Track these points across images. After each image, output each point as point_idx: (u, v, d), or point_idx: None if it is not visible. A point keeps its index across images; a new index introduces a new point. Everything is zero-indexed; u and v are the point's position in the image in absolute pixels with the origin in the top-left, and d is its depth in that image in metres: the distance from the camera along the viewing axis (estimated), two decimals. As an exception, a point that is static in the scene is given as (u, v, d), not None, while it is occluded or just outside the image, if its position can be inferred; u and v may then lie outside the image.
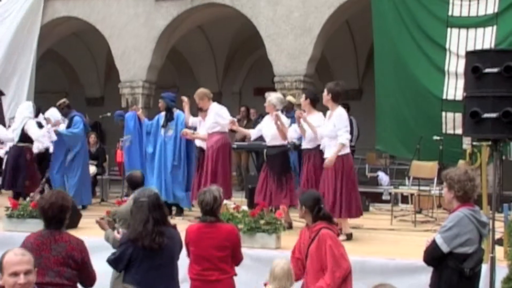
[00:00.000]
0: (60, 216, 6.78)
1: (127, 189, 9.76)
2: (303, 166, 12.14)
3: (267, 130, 12.40)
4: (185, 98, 13.87)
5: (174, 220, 11.25)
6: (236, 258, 7.81)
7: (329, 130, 11.07)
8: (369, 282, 5.21)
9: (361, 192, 14.66)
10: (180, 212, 14.21)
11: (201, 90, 13.58)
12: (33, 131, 14.56)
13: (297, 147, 13.48)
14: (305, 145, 12.03)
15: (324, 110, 11.60)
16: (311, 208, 7.54)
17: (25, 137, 14.27)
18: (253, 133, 13.03)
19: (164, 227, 6.97)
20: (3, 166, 14.87)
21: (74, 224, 12.55)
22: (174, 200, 14.11)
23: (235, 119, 13.31)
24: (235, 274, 7.80)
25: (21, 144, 14.22)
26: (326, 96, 11.20)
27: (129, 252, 6.86)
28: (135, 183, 9.02)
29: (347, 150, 11.16)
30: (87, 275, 6.65)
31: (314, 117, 11.77)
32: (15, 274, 4.86)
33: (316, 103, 12.05)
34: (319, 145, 11.57)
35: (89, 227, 11.80)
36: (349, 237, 11.04)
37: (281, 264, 7.04)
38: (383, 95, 14.51)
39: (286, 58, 16.93)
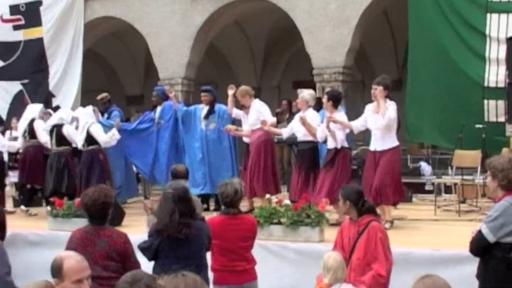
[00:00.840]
0: (102, 212, 6.96)
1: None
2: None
3: (299, 126, 12.41)
4: (233, 86, 13.92)
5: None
6: (252, 247, 7.99)
7: (385, 122, 11.05)
8: (414, 274, 5.12)
9: (403, 183, 14.67)
10: (218, 207, 14.25)
11: (243, 87, 13.67)
12: (100, 133, 14.57)
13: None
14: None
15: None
16: (355, 202, 7.50)
17: (91, 140, 14.27)
18: (285, 132, 13.10)
19: (191, 220, 7.01)
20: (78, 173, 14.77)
21: (117, 221, 12.63)
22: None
23: (267, 119, 13.25)
24: (255, 263, 7.92)
25: (91, 148, 14.22)
26: (382, 91, 11.14)
27: (156, 243, 6.96)
28: (179, 177, 9.01)
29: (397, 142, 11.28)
30: (131, 266, 6.66)
31: (337, 116, 11.79)
32: (79, 281, 4.95)
33: (338, 103, 12.08)
34: None
35: (133, 224, 11.89)
36: (392, 223, 11.14)
37: (334, 255, 7.00)
38: (418, 85, 14.37)
39: (324, 50, 16.85)
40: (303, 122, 11.96)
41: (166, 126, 14.88)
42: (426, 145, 17.53)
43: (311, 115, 12.36)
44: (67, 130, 14.46)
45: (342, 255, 7.37)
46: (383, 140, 11.11)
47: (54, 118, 14.79)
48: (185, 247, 6.96)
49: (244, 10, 19.57)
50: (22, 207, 14.88)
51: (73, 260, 5.06)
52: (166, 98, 15.09)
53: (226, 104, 13.98)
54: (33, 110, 15.71)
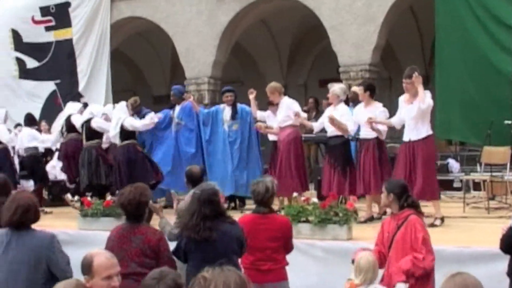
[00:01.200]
0: (138, 211, 7.11)
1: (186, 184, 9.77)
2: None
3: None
4: (253, 91, 13.91)
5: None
6: (288, 248, 7.92)
7: (425, 106, 10.96)
8: (444, 272, 5.09)
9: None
10: (242, 204, 14.33)
11: (273, 84, 13.63)
12: (136, 121, 14.63)
13: (354, 139, 13.42)
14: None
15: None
16: (399, 195, 7.48)
17: (126, 135, 14.33)
18: (316, 126, 13.02)
19: (218, 222, 6.98)
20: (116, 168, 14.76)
21: (147, 220, 12.68)
22: (240, 193, 14.20)
23: (300, 111, 13.25)
24: (287, 264, 7.86)
25: (126, 142, 14.25)
26: (420, 78, 11.05)
27: (183, 244, 7.00)
28: (194, 178, 9.02)
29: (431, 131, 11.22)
30: (165, 263, 6.72)
31: (373, 108, 11.74)
32: (109, 277, 5.09)
33: (374, 93, 12.01)
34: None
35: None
36: (443, 220, 11.19)
37: (366, 256, 6.96)
38: (448, 81, 14.26)
39: (350, 48, 16.80)
40: (332, 121, 11.91)
41: (189, 129, 14.85)
42: (454, 142, 17.40)
43: (342, 109, 12.24)
44: (97, 122, 14.50)
45: (382, 251, 7.36)
46: (417, 129, 11.04)
47: (86, 114, 14.83)
48: (210, 249, 6.93)
49: (270, 9, 19.57)
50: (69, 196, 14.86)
51: (103, 257, 5.20)
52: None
53: (249, 104, 13.98)
54: (72, 107, 15.67)
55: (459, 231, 10.72)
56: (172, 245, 7.71)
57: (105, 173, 14.33)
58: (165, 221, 8.40)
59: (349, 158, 12.60)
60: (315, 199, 11.36)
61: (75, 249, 11.09)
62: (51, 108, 20.03)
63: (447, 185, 15.85)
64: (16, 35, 21.39)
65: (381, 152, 11.77)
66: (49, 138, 16.01)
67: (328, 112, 12.52)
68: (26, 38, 21.32)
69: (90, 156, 14.32)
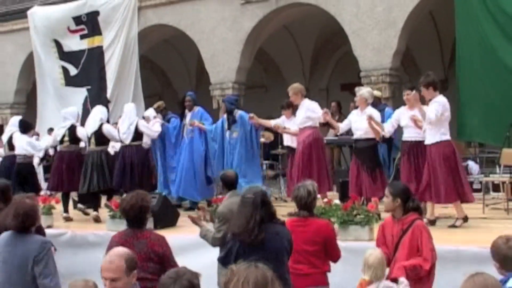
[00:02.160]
0: (140, 216, 7.12)
1: (221, 188, 9.79)
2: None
3: (358, 124, 12.28)
4: (252, 115, 14.01)
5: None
6: (331, 254, 7.82)
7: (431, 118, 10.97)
8: (465, 271, 5.10)
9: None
10: None
11: (297, 85, 13.64)
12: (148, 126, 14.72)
13: (386, 140, 13.38)
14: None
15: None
16: (404, 200, 7.49)
17: (138, 136, 14.42)
18: (341, 127, 12.91)
19: (270, 224, 6.88)
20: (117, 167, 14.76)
21: (172, 222, 12.72)
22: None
23: (328, 110, 13.28)
24: (329, 270, 7.81)
25: (135, 143, 14.31)
26: (427, 91, 11.08)
27: (235, 248, 6.82)
28: (229, 182, 9.01)
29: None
30: (171, 267, 6.74)
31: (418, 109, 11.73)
32: (105, 279, 5.27)
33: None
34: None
35: (186, 225, 11.94)
36: (466, 219, 11.17)
37: (375, 253, 7.01)
38: (468, 84, 14.24)
39: (371, 53, 16.79)
40: (370, 121, 11.87)
41: (201, 139, 15.01)
42: (473, 144, 17.36)
43: (371, 112, 12.13)
44: (107, 129, 14.52)
45: (385, 251, 7.37)
46: (431, 134, 11.13)
47: (96, 120, 14.73)
48: (261, 252, 6.89)
49: (292, 15, 19.59)
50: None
51: (107, 258, 5.42)
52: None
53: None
54: (101, 112, 15.22)
55: (478, 232, 10.68)
56: (215, 249, 7.78)
57: (109, 177, 14.28)
58: (205, 229, 8.38)
59: (378, 160, 12.60)
60: (337, 201, 11.39)
61: (104, 249, 11.25)
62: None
63: (467, 187, 15.84)
64: (58, 45, 21.82)
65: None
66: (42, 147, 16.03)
67: (356, 114, 12.52)
68: (65, 48, 21.75)
69: (99, 160, 14.21)
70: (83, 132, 14.63)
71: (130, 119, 14.45)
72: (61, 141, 14.65)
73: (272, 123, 14.06)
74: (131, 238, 6.95)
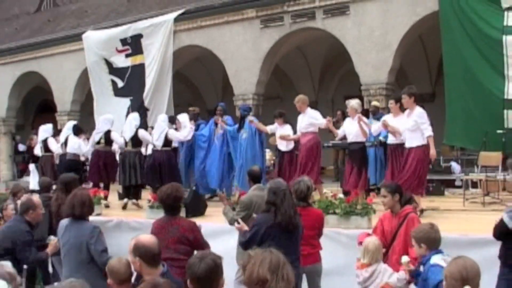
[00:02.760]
0: (174, 205, 7.21)
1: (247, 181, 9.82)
2: (390, 158, 12.06)
3: (350, 129, 12.56)
4: (251, 119, 14.46)
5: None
6: (320, 235, 8.10)
7: (411, 126, 11.06)
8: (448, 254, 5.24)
9: (436, 180, 14.60)
10: None
11: (303, 96, 13.83)
12: (177, 133, 14.75)
13: (383, 144, 13.42)
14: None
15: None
16: (401, 195, 7.55)
17: (166, 143, 14.44)
18: (339, 133, 13.15)
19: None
20: (148, 168, 14.78)
21: (201, 212, 12.78)
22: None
23: (331, 118, 13.43)
24: (321, 248, 8.03)
25: (165, 149, 14.36)
26: (409, 100, 11.18)
27: (261, 233, 6.82)
28: (255, 176, 9.05)
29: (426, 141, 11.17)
30: (200, 248, 6.83)
31: (400, 117, 11.80)
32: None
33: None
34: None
35: (214, 215, 12.00)
36: (422, 212, 11.09)
37: (373, 240, 7.08)
38: (454, 98, 14.31)
39: (370, 70, 16.78)
40: (360, 121, 11.98)
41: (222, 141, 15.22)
42: (456, 148, 17.35)
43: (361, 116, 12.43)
44: (142, 134, 14.60)
45: (382, 241, 7.41)
46: (410, 139, 11.27)
47: (132, 125, 14.77)
48: (293, 234, 6.96)
49: (304, 37, 19.60)
50: (133, 201, 14.82)
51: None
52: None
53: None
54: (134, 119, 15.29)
55: (459, 222, 10.72)
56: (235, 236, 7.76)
57: (141, 175, 14.37)
58: (228, 208, 8.46)
59: (366, 160, 12.84)
60: (341, 195, 11.42)
61: (143, 233, 11.31)
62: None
63: (450, 183, 15.84)
64: (107, 63, 22.04)
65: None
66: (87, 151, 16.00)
67: (348, 122, 12.80)
68: (114, 65, 21.91)
69: (133, 160, 14.36)
70: (116, 136, 14.78)
71: (161, 128, 14.48)
72: (98, 142, 14.79)
73: (268, 129, 14.30)
74: (166, 224, 7.05)
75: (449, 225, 10.14)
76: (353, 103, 12.71)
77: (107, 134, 14.89)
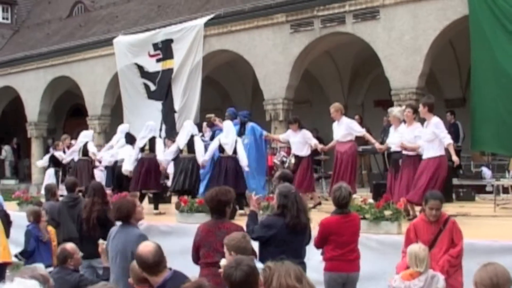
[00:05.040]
0: (219, 208, 7.12)
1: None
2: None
3: (393, 140, 12.24)
4: (265, 134, 14.90)
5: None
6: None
7: (429, 136, 10.97)
8: (477, 261, 5.18)
9: (467, 185, 14.47)
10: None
11: (337, 104, 13.90)
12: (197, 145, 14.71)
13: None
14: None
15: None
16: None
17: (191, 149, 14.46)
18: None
19: None
20: (174, 174, 14.79)
21: (231, 217, 12.80)
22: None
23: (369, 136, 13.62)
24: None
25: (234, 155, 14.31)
26: (423, 110, 11.10)
27: (270, 233, 6.85)
28: (289, 180, 9.11)
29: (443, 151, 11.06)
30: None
31: (414, 127, 11.67)
32: None
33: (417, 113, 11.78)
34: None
35: (242, 219, 12.04)
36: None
37: (423, 247, 6.98)
38: (480, 102, 14.11)
39: (400, 74, 16.76)
40: (404, 147, 11.67)
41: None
42: (486, 153, 17.21)
43: (404, 129, 12.02)
44: (196, 142, 14.53)
45: None
46: (427, 149, 11.13)
47: (188, 133, 14.83)
48: (301, 235, 7.04)
49: (334, 42, 19.62)
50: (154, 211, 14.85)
51: None
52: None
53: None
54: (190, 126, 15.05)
55: (490, 228, 10.64)
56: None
57: (194, 182, 14.27)
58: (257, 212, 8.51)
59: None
60: (371, 200, 11.39)
61: (174, 238, 11.45)
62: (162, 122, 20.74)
63: (481, 189, 15.73)
64: (139, 67, 22.18)
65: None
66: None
67: (392, 132, 12.48)
68: (145, 69, 22.08)
69: (188, 166, 14.29)
70: (160, 144, 14.80)
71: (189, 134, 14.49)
72: (142, 149, 14.76)
73: (280, 137, 14.67)
74: (214, 228, 7.00)
75: (479, 231, 10.09)
76: (395, 111, 12.51)
77: (152, 141, 14.86)
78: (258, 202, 8.28)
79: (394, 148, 12.31)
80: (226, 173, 13.57)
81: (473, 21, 14.52)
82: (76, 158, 17.33)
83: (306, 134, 14.12)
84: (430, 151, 11.00)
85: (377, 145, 13.34)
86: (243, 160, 13.45)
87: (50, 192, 12.87)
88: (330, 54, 22.89)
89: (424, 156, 11.12)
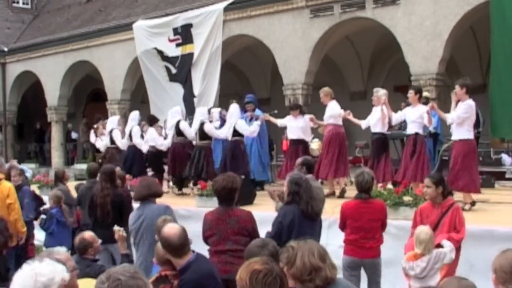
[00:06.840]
0: (229, 196, 7.16)
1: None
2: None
3: (373, 119, 12.87)
4: (266, 115, 15.00)
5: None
6: (384, 227, 8.05)
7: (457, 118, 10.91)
8: (497, 248, 5.15)
9: (487, 172, 14.40)
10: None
11: (327, 88, 14.04)
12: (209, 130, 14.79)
13: (432, 135, 13.29)
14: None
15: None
16: (443, 187, 7.55)
17: (204, 135, 14.59)
18: (363, 123, 13.32)
19: None
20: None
21: (250, 201, 12.87)
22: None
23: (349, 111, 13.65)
24: (382, 242, 7.95)
25: (235, 138, 14.39)
26: (460, 91, 10.97)
27: (286, 224, 6.84)
28: (311, 166, 9.13)
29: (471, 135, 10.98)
30: (257, 237, 6.83)
31: (418, 108, 11.84)
32: None
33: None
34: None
35: (262, 203, 12.10)
36: (473, 204, 10.92)
37: (425, 230, 7.05)
38: (500, 88, 13.97)
39: (420, 60, 16.66)
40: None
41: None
42: (506, 140, 17.13)
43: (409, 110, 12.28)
44: (208, 127, 14.64)
45: None
46: (456, 131, 11.09)
47: (197, 119, 14.94)
48: (316, 221, 7.10)
49: (353, 27, 19.54)
50: (175, 190, 15.16)
51: None
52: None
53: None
54: (201, 113, 15.30)
55: (510, 214, 10.59)
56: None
57: (206, 169, 14.40)
58: (280, 204, 8.52)
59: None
60: (390, 186, 11.40)
61: (194, 222, 11.34)
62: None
63: (501, 176, 15.67)
64: (159, 52, 22.22)
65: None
66: (163, 143, 15.63)
67: (373, 112, 13.03)
68: (165, 53, 22.07)
69: (200, 154, 14.48)
70: (184, 126, 14.88)
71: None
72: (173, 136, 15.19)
73: (278, 122, 14.60)
74: (224, 216, 7.02)
75: (499, 217, 10.08)
76: (380, 92, 12.83)
77: (177, 125, 14.96)
78: (277, 193, 8.34)
79: (374, 129, 12.79)
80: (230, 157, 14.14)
81: (494, 7, 14.38)
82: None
83: (311, 116, 14.31)
84: (459, 134, 10.96)
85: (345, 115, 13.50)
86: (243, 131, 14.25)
87: (58, 177, 13.02)
88: (350, 39, 22.83)
89: (453, 138, 11.09)
